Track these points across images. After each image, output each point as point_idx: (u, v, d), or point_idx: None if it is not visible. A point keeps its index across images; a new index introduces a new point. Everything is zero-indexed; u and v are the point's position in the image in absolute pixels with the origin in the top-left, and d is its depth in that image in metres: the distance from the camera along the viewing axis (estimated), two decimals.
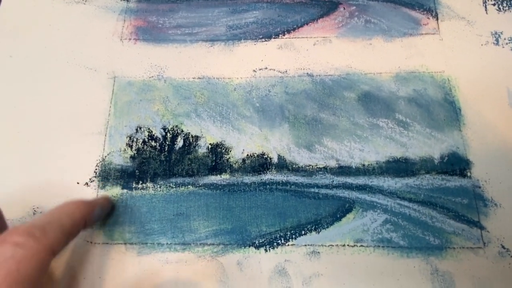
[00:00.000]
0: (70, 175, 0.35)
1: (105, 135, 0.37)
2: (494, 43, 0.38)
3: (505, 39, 0.38)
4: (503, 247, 0.31)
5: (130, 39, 0.41)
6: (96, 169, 0.35)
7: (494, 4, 0.39)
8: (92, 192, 0.34)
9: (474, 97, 0.35)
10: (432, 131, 0.35)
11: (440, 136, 0.34)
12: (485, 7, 0.39)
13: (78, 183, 0.35)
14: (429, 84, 0.36)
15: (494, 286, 0.29)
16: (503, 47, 0.37)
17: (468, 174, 0.33)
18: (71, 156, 0.36)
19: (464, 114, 0.35)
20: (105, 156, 0.36)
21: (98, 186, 0.35)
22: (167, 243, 0.32)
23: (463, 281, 0.30)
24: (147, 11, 0.42)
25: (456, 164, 0.33)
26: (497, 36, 0.38)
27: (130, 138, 0.36)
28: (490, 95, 0.35)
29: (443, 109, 0.35)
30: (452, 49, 0.38)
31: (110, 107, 0.38)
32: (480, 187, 0.32)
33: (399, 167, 0.34)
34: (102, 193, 0.34)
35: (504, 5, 0.39)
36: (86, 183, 0.35)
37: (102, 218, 0.32)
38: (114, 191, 0.34)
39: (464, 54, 0.37)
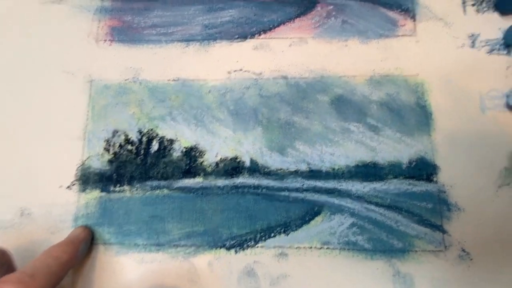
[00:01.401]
0: (54, 178, 0.36)
1: (84, 140, 0.37)
2: (470, 45, 0.37)
3: (481, 41, 0.37)
4: (463, 250, 0.32)
5: (105, 40, 0.41)
6: (76, 173, 0.36)
7: (473, 5, 0.38)
8: (73, 195, 0.36)
9: (446, 102, 0.35)
10: (402, 136, 0.35)
11: (410, 141, 0.35)
12: (464, 8, 0.38)
13: (61, 186, 0.36)
14: (402, 87, 0.36)
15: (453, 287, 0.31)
16: (479, 50, 0.37)
17: (435, 179, 0.34)
18: (53, 160, 0.37)
19: (435, 119, 0.35)
20: (85, 160, 0.37)
21: (79, 189, 0.36)
22: (142, 244, 0.34)
23: (422, 283, 0.31)
24: (122, 10, 0.42)
25: (423, 169, 0.34)
26: (473, 38, 0.37)
27: (107, 142, 0.37)
28: (463, 99, 0.35)
29: (414, 113, 0.35)
30: (427, 52, 0.37)
31: (88, 111, 0.38)
32: (445, 192, 0.33)
33: (368, 171, 0.34)
34: (83, 196, 0.36)
35: (484, 5, 0.38)
36: (68, 187, 0.36)
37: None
38: (94, 194, 0.36)
39: (439, 57, 0.37)
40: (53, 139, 0.37)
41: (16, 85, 0.39)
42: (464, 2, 0.38)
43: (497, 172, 0.33)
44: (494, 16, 0.37)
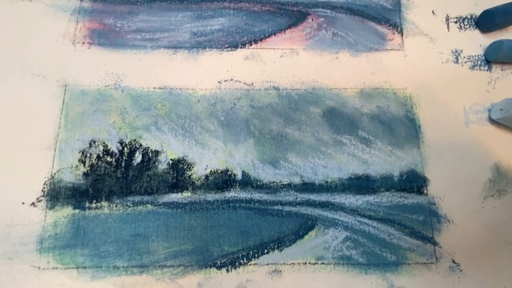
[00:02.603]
0: (15, 194, 0.32)
1: (55, 150, 0.34)
2: (454, 61, 0.39)
3: (464, 57, 0.39)
4: (453, 261, 0.32)
5: (83, 43, 0.37)
6: (44, 188, 0.33)
7: (456, 22, 0.40)
8: (39, 213, 0.32)
9: (433, 115, 0.36)
10: (393, 148, 0.35)
11: (400, 154, 0.35)
12: (448, 24, 0.40)
13: (23, 203, 0.32)
14: (392, 101, 0.37)
15: None
16: (462, 65, 0.39)
17: (425, 191, 0.34)
18: (15, 174, 0.33)
19: (424, 132, 0.36)
20: (55, 174, 0.33)
21: (47, 206, 0.32)
22: (123, 266, 0.31)
23: None
24: (103, 12, 0.39)
25: (414, 182, 0.34)
26: (457, 54, 0.39)
27: (82, 153, 0.34)
28: (448, 113, 0.37)
29: (404, 126, 0.36)
30: (415, 66, 0.38)
31: (60, 118, 0.35)
32: (435, 204, 0.34)
33: (361, 184, 0.34)
34: (51, 214, 0.32)
35: (465, 23, 0.40)
36: (33, 203, 0.32)
37: None
38: (65, 212, 0.32)
39: (426, 71, 0.38)
40: (17, 149, 0.33)
41: None
42: (447, 19, 0.40)
43: (482, 184, 0.34)
44: (476, 33, 0.40)
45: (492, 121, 0.36)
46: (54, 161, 0.33)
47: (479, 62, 0.39)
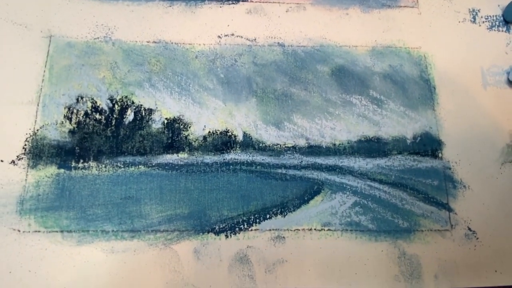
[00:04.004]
0: None
1: (38, 105, 0.31)
2: (471, 20, 0.36)
3: (482, 17, 0.36)
4: (469, 229, 0.30)
5: None
6: (25, 145, 0.30)
7: None
8: (20, 172, 0.29)
9: (449, 76, 0.34)
10: (406, 109, 0.33)
11: (414, 115, 0.33)
12: None
13: (2, 161, 0.29)
14: (405, 60, 0.34)
15: (459, 269, 0.29)
16: (480, 25, 0.36)
17: (440, 155, 0.32)
18: None
19: (439, 93, 0.34)
20: (37, 130, 0.30)
21: (28, 165, 0.29)
22: (112, 230, 0.28)
23: (429, 264, 0.29)
24: None
25: (428, 145, 0.32)
26: (474, 13, 0.36)
27: (69, 109, 0.31)
28: (465, 74, 0.34)
29: (418, 87, 0.34)
30: (430, 24, 0.36)
31: (44, 71, 0.32)
32: (450, 169, 0.31)
33: (371, 147, 0.32)
34: (33, 173, 0.29)
35: None
36: (13, 161, 0.29)
37: None
38: (48, 171, 0.29)
39: (441, 30, 0.36)
40: None
41: None
42: None
43: (500, 148, 0.32)
44: None
45: (510, 84, 0.34)
46: (37, 116, 0.30)
47: (497, 23, 0.36)
